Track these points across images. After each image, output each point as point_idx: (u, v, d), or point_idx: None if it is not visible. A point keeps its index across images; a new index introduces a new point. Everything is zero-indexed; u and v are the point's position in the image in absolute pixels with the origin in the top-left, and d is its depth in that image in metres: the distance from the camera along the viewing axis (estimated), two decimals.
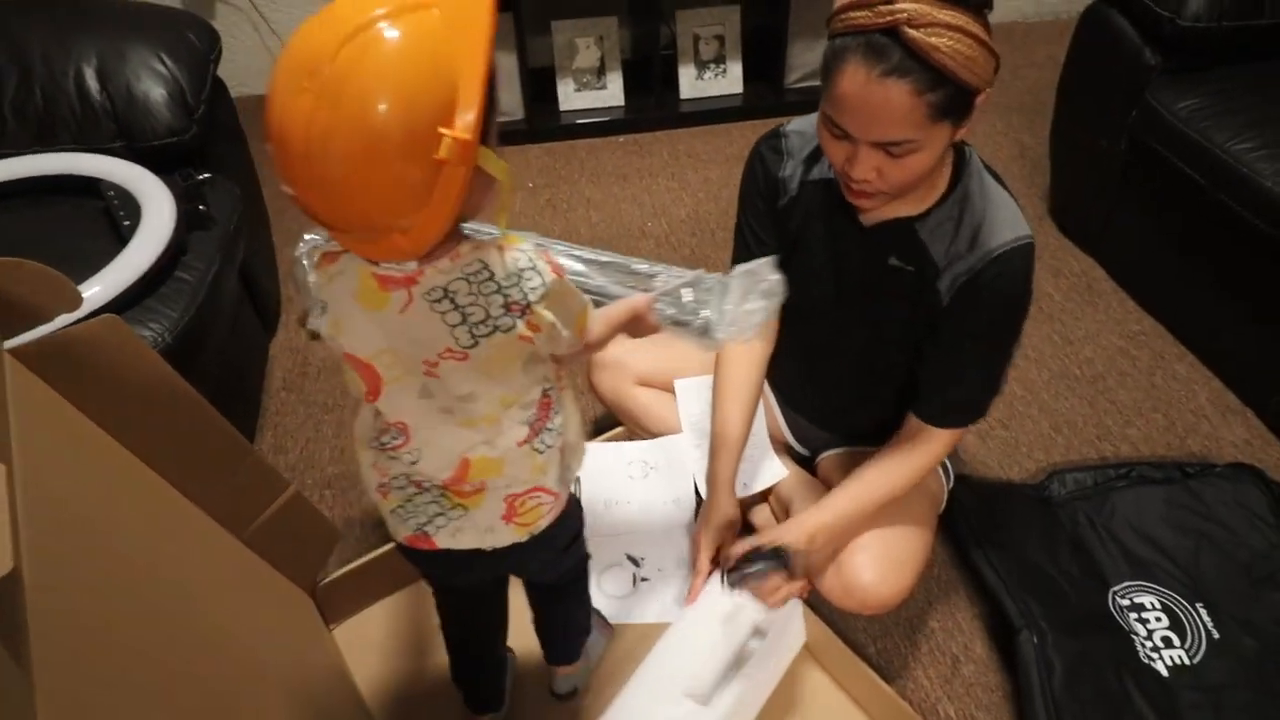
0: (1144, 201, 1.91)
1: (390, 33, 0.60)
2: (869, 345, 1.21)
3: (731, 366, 1.29)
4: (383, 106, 0.60)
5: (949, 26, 0.85)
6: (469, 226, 0.79)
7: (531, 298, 0.76)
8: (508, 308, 0.76)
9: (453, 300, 0.75)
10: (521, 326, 0.78)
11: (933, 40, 0.85)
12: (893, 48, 0.86)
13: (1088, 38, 1.99)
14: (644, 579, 1.39)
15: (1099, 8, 1.93)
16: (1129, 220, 1.96)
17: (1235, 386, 1.74)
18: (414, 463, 0.86)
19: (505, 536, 0.92)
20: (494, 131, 0.70)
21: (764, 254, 1.27)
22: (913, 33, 0.85)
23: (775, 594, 1.15)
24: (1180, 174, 1.72)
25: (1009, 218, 1.05)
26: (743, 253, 1.28)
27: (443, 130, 0.62)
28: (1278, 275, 1.57)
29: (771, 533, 1.17)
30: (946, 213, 1.06)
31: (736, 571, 1.15)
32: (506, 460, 0.86)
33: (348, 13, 0.62)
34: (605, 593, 1.37)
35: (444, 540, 0.91)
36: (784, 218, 1.19)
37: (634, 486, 1.45)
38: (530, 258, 0.77)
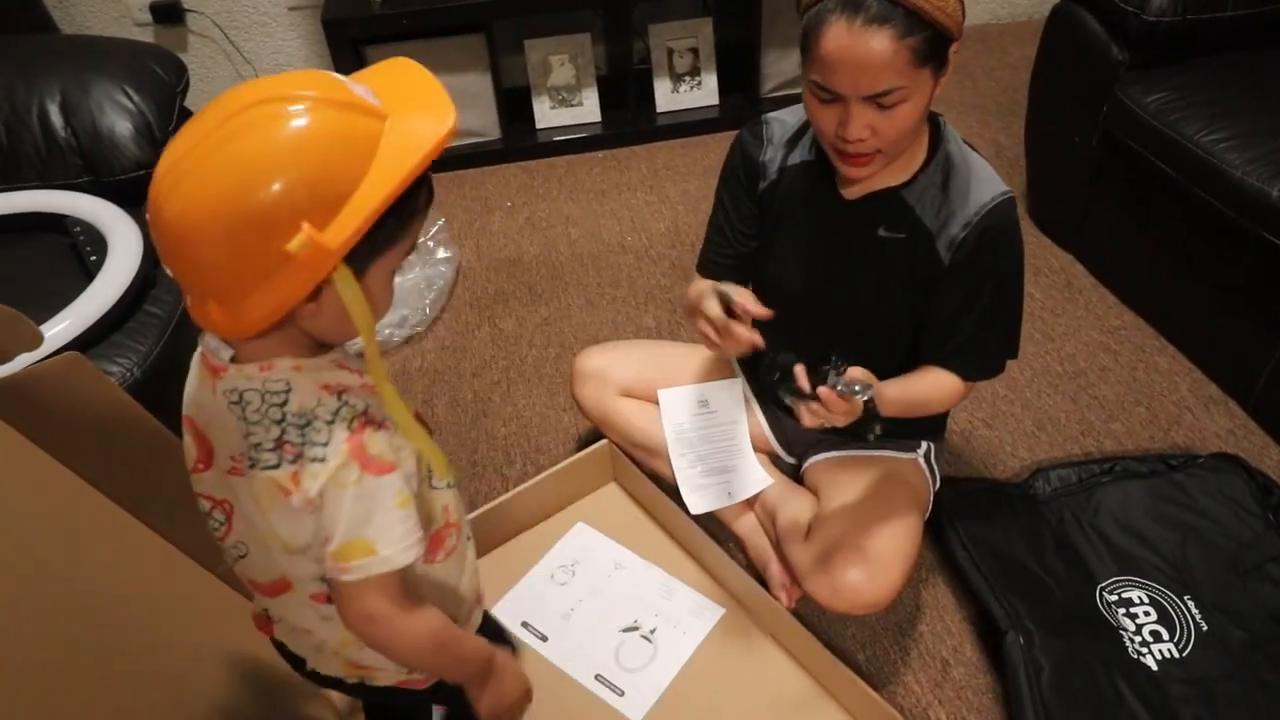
0: (1119, 196, 1.91)
1: (307, 116, 0.59)
2: (859, 323, 1.21)
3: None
4: (260, 168, 0.58)
5: None
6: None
7: (306, 454, 0.66)
8: (279, 444, 0.66)
9: (243, 409, 0.68)
10: (285, 475, 0.66)
11: None
12: None
13: (1056, 36, 1.99)
14: (652, 630, 1.36)
15: (1066, 6, 1.93)
16: (1105, 216, 1.96)
17: (1217, 377, 1.74)
18: (240, 557, 0.78)
19: (333, 668, 0.83)
20: (377, 269, 0.65)
21: (739, 241, 1.27)
22: None
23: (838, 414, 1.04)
24: (1153, 168, 1.72)
25: (990, 175, 1.10)
26: (716, 239, 1.28)
27: (305, 225, 0.57)
28: (1252, 265, 1.57)
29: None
30: (930, 178, 1.10)
31: (832, 379, 1.01)
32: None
33: (294, 81, 0.60)
34: (624, 666, 1.31)
35: (280, 633, 0.84)
36: (764, 202, 1.22)
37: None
38: (342, 418, 0.66)
